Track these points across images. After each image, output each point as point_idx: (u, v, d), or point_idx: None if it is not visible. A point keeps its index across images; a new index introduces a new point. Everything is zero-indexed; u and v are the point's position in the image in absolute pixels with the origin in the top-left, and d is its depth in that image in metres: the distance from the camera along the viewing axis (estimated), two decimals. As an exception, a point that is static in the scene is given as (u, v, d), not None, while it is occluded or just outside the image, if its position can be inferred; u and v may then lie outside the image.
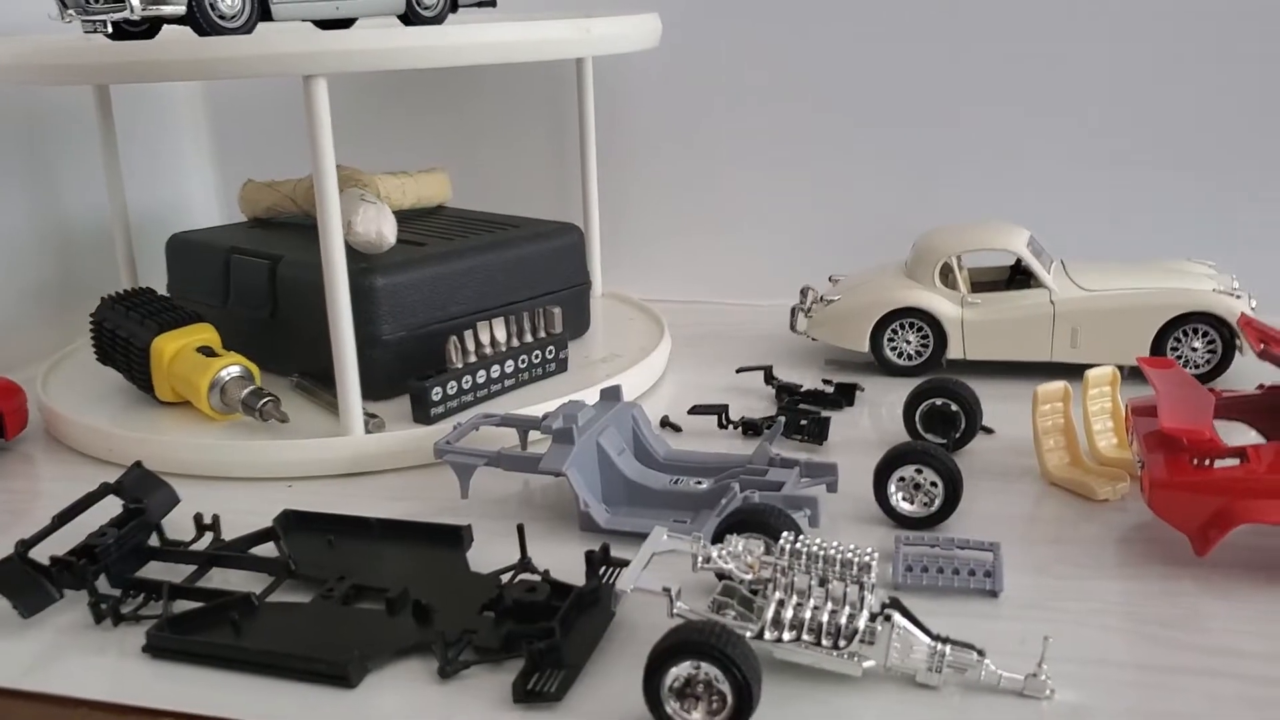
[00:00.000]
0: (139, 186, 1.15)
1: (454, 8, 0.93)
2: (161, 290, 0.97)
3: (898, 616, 0.52)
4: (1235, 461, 0.60)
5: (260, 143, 1.24)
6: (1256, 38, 0.98)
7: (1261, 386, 0.68)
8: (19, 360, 1.04)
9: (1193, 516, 0.60)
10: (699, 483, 0.71)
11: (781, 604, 0.52)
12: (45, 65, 0.75)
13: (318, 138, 0.71)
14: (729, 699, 0.48)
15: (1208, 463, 0.60)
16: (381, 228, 0.81)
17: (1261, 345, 0.62)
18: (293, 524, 0.68)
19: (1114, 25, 1.01)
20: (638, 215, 1.17)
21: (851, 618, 0.52)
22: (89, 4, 0.79)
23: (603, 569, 0.61)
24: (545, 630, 0.54)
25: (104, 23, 0.78)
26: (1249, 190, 1.02)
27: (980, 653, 0.52)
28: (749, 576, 0.54)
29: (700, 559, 0.55)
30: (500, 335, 0.84)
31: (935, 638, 0.52)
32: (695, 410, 0.84)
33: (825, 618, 0.52)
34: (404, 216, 0.96)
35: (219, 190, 1.29)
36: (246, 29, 0.79)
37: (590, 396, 0.82)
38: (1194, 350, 0.86)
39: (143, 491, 0.68)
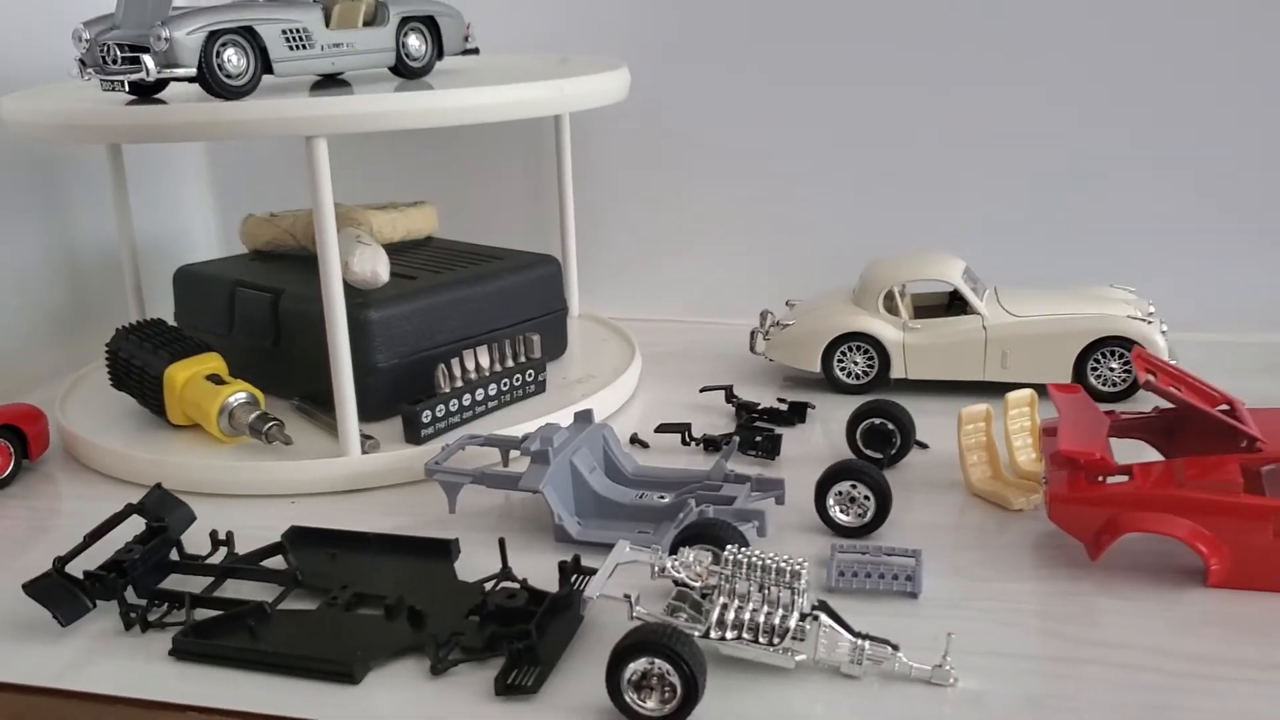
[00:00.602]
0: (143, 217, 1.22)
1: (440, 55, 1.01)
2: (169, 318, 1.05)
3: (824, 617, 0.60)
4: (1125, 478, 0.69)
5: (258, 174, 1.32)
6: (1178, 70, 1.07)
7: (1156, 409, 0.77)
8: (32, 382, 1.11)
9: (1086, 526, 0.69)
10: (662, 497, 0.79)
11: (725, 607, 0.61)
12: (68, 126, 0.82)
13: (319, 193, 0.79)
14: (679, 689, 0.57)
15: (1101, 479, 0.69)
16: (376, 267, 0.89)
17: (1147, 378, 0.70)
18: (299, 539, 0.76)
19: (1050, 61, 1.10)
20: (611, 240, 1.25)
21: (785, 618, 0.60)
22: (107, 65, 0.86)
23: (574, 577, 0.69)
24: (523, 632, 0.63)
25: (122, 82, 0.86)
26: (1170, 218, 1.11)
27: (895, 647, 0.60)
28: (699, 584, 0.63)
29: (657, 568, 0.63)
30: (484, 362, 0.93)
31: (857, 635, 0.60)
32: (661, 429, 0.92)
33: (762, 618, 0.60)
34: (394, 249, 1.04)
35: (219, 219, 1.37)
36: (251, 86, 0.87)
37: (566, 416, 0.90)
38: (1111, 370, 0.95)
39: (163, 511, 0.76)
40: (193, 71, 0.84)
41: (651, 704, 0.57)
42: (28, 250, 1.14)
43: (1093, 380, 0.95)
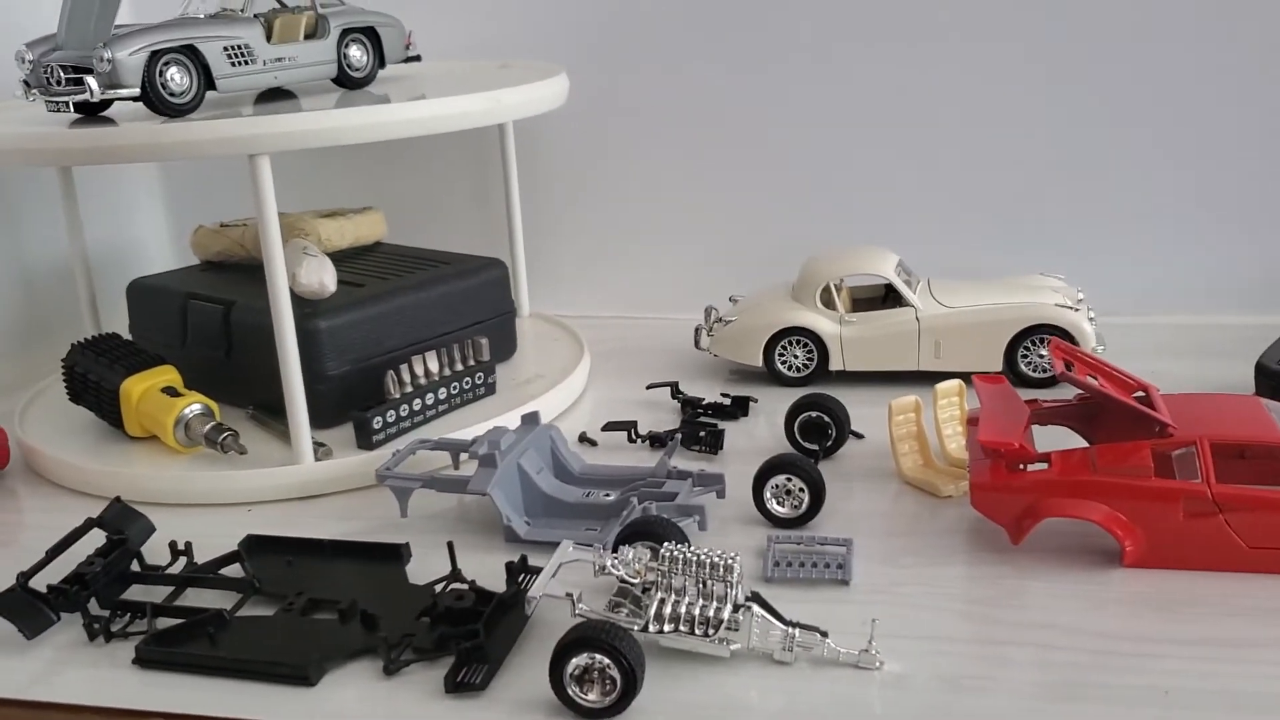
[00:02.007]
0: (95, 228, 1.23)
1: (383, 64, 1.03)
2: (123, 330, 1.06)
3: (756, 607, 0.63)
4: (1044, 465, 0.73)
5: (208, 184, 1.33)
6: (1100, 54, 1.11)
7: (1077, 397, 0.81)
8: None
9: (1007, 512, 0.73)
10: (608, 495, 0.82)
11: (663, 602, 0.64)
12: (12, 150, 0.84)
13: (263, 208, 0.81)
14: (619, 681, 0.60)
15: (1021, 467, 0.73)
16: (323, 278, 0.91)
17: (1062, 368, 0.74)
18: (255, 547, 0.78)
19: (978, 50, 1.13)
20: (558, 239, 1.28)
21: (719, 610, 0.63)
22: (51, 86, 0.88)
23: (521, 576, 0.72)
24: (471, 632, 0.65)
25: (66, 103, 0.87)
26: (1097, 204, 1.15)
27: (824, 634, 0.64)
28: (638, 580, 0.66)
29: (598, 567, 0.66)
30: (433, 366, 0.95)
31: (787, 623, 0.64)
32: (608, 427, 0.95)
33: (698, 611, 0.63)
34: (342, 255, 1.06)
35: (170, 229, 1.38)
36: (195, 104, 0.88)
37: (515, 417, 0.93)
38: (1041, 357, 0.99)
39: (123, 523, 0.78)
40: (136, 91, 0.85)
41: (593, 696, 0.60)
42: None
43: (1023, 367, 0.99)
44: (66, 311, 1.19)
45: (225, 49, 0.90)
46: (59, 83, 0.87)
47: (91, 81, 0.84)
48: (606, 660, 0.59)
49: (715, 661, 0.64)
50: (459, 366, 0.97)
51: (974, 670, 0.63)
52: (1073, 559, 0.73)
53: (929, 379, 0.99)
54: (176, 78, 0.87)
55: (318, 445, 0.90)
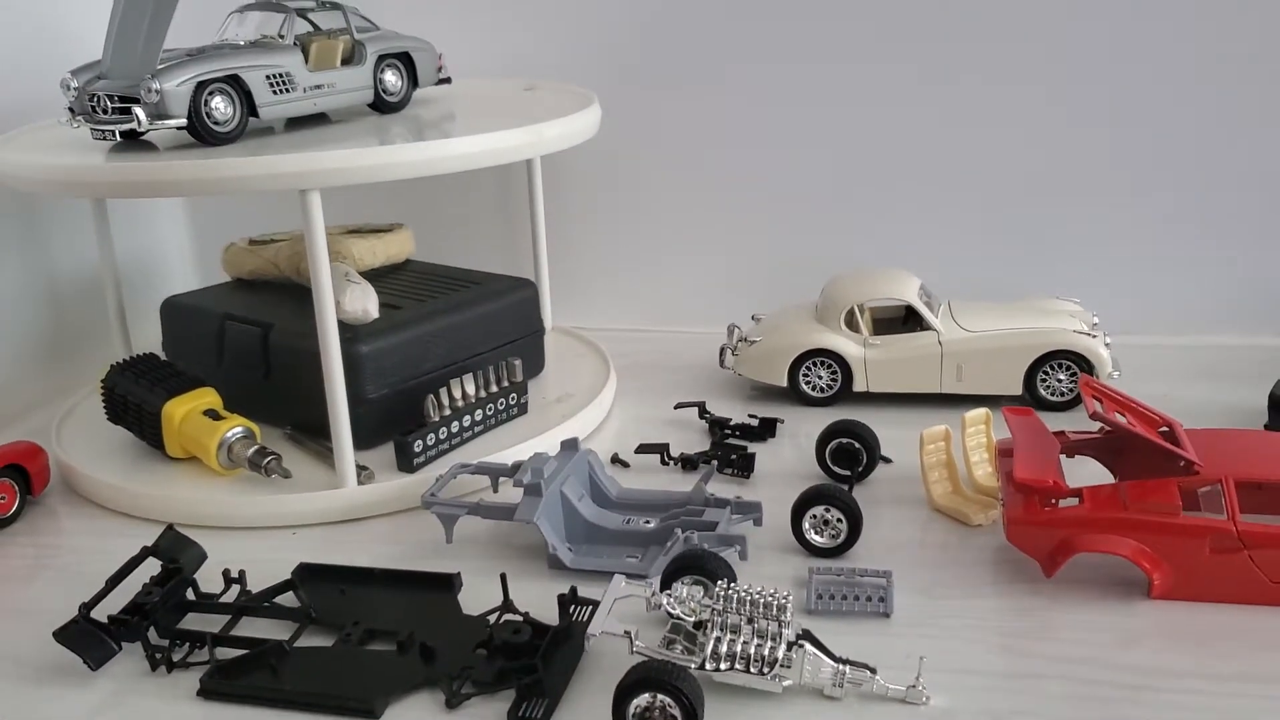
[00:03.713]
0: (120, 241, 1.24)
1: (416, 87, 1.05)
2: (151, 345, 1.07)
3: (808, 645, 0.66)
4: (1075, 501, 0.76)
5: (232, 198, 1.33)
6: (1112, 78, 1.13)
7: (1103, 430, 0.84)
8: (16, 413, 1.13)
9: (1041, 546, 0.75)
10: (647, 522, 0.85)
11: (718, 640, 0.66)
12: (65, 182, 0.85)
13: (314, 241, 0.83)
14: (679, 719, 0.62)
15: (1053, 502, 0.76)
16: (367, 305, 0.93)
17: (1095, 408, 0.77)
18: (308, 576, 0.80)
19: (996, 80, 1.16)
20: (580, 253, 1.30)
21: (773, 649, 0.66)
22: (96, 114, 0.89)
23: (572, 608, 0.74)
24: (529, 666, 0.68)
25: (113, 132, 0.88)
26: (1109, 225, 1.18)
27: (873, 670, 0.66)
28: (692, 618, 0.68)
29: (654, 605, 0.69)
30: (470, 389, 0.97)
31: (838, 660, 0.66)
32: (641, 449, 0.98)
33: (753, 649, 0.66)
34: (374, 275, 1.07)
35: (194, 243, 1.39)
36: (238, 133, 0.90)
37: (548, 437, 0.96)
38: (1060, 381, 1.01)
39: (177, 551, 0.79)
40: (183, 121, 0.87)
41: (655, 734, 0.63)
42: (9, 278, 1.16)
43: (1042, 391, 1.02)
44: (93, 326, 1.20)
45: (268, 78, 0.91)
46: (105, 111, 0.88)
47: (139, 111, 0.85)
48: (668, 700, 0.62)
49: (768, 696, 0.67)
50: (494, 388, 0.99)
51: (1016, 705, 0.66)
52: (1100, 590, 0.76)
53: (950, 401, 1.02)
54: (221, 107, 0.88)
55: (360, 469, 0.91)
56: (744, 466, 0.94)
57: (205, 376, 0.99)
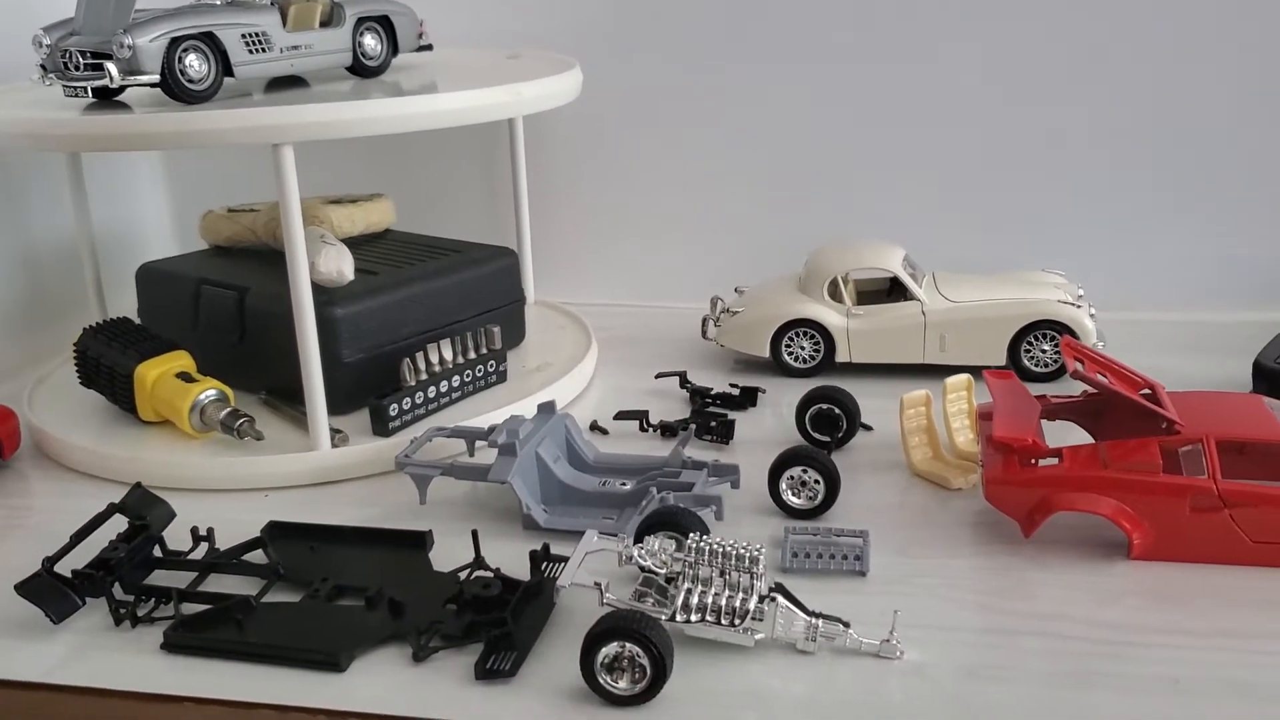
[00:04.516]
0: (98, 209, 1.23)
1: (395, 53, 1.03)
2: (126, 312, 1.06)
3: (780, 598, 0.65)
4: (1055, 461, 0.75)
5: (212, 165, 1.33)
6: (1097, 50, 1.13)
7: (1084, 393, 0.83)
8: (-9, 378, 1.13)
9: (1020, 506, 0.75)
10: (624, 484, 0.84)
11: (690, 592, 0.65)
12: (36, 135, 0.84)
13: (287, 198, 0.82)
14: (649, 670, 0.61)
15: (1033, 462, 0.75)
16: (342, 266, 0.92)
17: (1075, 366, 0.76)
18: (278, 533, 0.79)
19: (973, 46, 1.15)
20: (564, 226, 1.29)
21: (744, 601, 0.65)
22: (69, 71, 0.88)
23: (544, 565, 0.73)
24: (499, 620, 0.66)
25: (85, 88, 0.87)
26: (1095, 200, 1.17)
27: (846, 624, 0.65)
28: (663, 570, 0.67)
29: (624, 557, 0.68)
30: (448, 355, 0.96)
31: (810, 613, 0.65)
32: (620, 416, 0.97)
33: (724, 601, 0.65)
34: (353, 242, 1.06)
35: (173, 209, 1.38)
36: (212, 91, 0.89)
37: (527, 404, 0.94)
38: (1044, 351, 1.01)
39: (145, 509, 0.78)
40: (156, 78, 0.86)
41: (623, 684, 0.62)
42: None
43: (1026, 362, 1.01)
44: (70, 294, 1.19)
45: (243, 36, 0.90)
46: (78, 68, 0.87)
47: (111, 67, 0.84)
48: (637, 649, 0.61)
49: (739, 650, 0.66)
50: (471, 355, 0.98)
51: (990, 660, 0.65)
52: (1079, 550, 0.75)
53: (934, 371, 1.01)
54: (195, 65, 0.87)
55: (334, 432, 0.90)
56: (723, 433, 0.93)
57: (181, 343, 0.97)
